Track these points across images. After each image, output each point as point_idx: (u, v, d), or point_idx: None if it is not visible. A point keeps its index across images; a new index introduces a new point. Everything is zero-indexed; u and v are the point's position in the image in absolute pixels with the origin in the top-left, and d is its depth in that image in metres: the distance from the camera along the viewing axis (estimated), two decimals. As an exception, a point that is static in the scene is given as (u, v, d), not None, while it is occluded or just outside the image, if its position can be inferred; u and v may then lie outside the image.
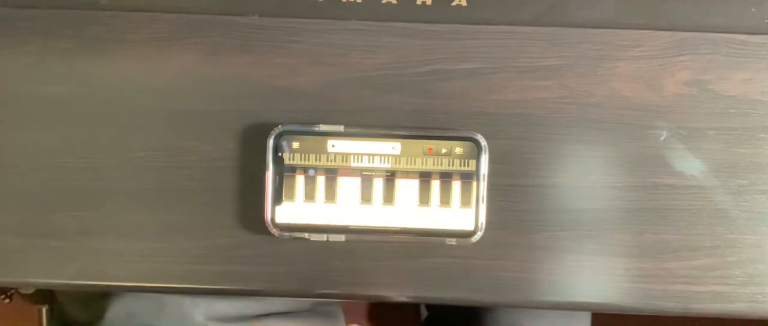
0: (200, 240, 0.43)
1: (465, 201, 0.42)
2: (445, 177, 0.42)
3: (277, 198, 0.42)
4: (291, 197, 0.42)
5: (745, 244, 0.43)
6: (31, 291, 0.90)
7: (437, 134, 0.42)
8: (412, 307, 1.02)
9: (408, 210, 0.42)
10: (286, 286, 0.44)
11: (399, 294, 0.44)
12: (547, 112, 0.43)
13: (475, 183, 0.42)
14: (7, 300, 0.98)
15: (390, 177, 0.42)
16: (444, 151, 0.42)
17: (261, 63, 0.43)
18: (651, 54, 0.43)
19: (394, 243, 0.43)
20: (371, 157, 0.42)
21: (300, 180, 0.42)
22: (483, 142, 0.42)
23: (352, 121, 0.43)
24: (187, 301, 0.52)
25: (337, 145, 0.42)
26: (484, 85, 0.43)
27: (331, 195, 0.42)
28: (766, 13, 0.43)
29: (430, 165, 0.42)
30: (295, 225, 0.42)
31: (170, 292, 0.48)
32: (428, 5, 0.43)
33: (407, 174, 0.42)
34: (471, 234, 0.42)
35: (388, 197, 0.42)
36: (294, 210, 0.42)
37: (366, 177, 0.42)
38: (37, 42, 0.43)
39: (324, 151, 0.42)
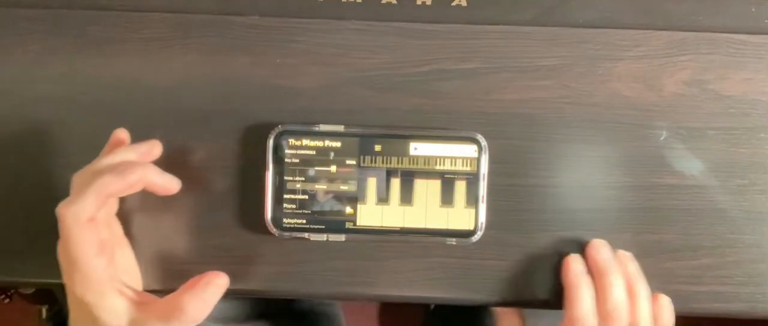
0: (200, 240, 0.43)
1: (465, 201, 0.42)
2: (446, 176, 0.42)
3: (278, 199, 0.42)
4: (291, 197, 0.42)
5: (745, 244, 0.43)
6: (31, 291, 0.90)
7: (437, 134, 0.42)
8: (413, 307, 1.02)
9: (408, 210, 0.42)
10: (286, 286, 0.44)
11: (399, 294, 0.44)
12: (547, 112, 0.43)
13: (475, 183, 0.42)
14: (7, 300, 0.98)
15: (390, 177, 0.42)
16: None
17: (261, 63, 0.43)
18: (651, 54, 0.43)
19: (394, 243, 0.43)
20: (372, 158, 0.42)
21: (300, 179, 0.42)
22: (483, 142, 0.42)
23: (352, 120, 0.43)
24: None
25: (336, 145, 0.42)
26: (484, 85, 0.43)
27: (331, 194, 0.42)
28: (766, 13, 0.43)
29: (430, 165, 0.42)
30: (295, 225, 0.42)
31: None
32: (428, 5, 0.43)
33: (407, 174, 0.42)
34: (471, 234, 0.42)
35: (389, 197, 0.42)
36: (294, 210, 0.42)
37: (366, 177, 0.42)
38: (37, 42, 0.43)
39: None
